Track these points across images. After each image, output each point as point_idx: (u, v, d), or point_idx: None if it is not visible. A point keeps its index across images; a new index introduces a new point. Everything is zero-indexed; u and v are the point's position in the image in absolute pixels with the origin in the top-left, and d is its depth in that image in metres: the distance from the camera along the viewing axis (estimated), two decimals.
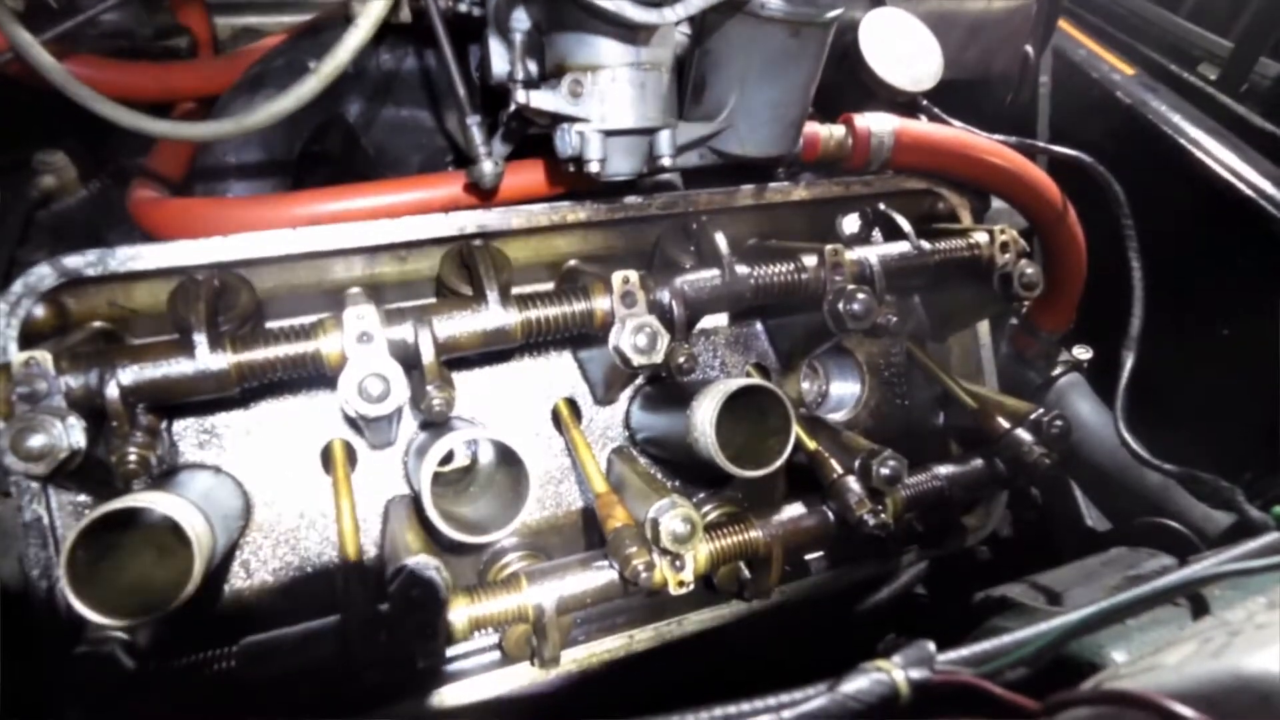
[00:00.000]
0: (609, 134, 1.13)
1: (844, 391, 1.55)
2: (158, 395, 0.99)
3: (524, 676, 1.21)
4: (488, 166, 1.19)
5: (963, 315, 1.56)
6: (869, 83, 1.57)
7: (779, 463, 1.12)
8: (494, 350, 1.16)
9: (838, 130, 1.47)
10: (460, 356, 1.14)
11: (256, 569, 1.18)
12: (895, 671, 0.64)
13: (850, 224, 1.49)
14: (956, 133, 1.53)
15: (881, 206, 1.44)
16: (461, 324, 1.10)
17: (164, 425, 1.09)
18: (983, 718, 0.56)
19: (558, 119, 1.11)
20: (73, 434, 0.91)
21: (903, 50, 1.58)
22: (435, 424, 1.14)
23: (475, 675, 1.20)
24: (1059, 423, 1.37)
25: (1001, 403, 1.46)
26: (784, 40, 1.18)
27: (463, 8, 1.19)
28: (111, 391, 0.95)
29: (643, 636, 1.33)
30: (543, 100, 1.08)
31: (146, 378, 0.97)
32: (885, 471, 1.24)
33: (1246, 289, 1.83)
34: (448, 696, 1.16)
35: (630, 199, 1.31)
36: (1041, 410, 1.39)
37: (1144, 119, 2.09)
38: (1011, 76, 1.86)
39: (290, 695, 1.02)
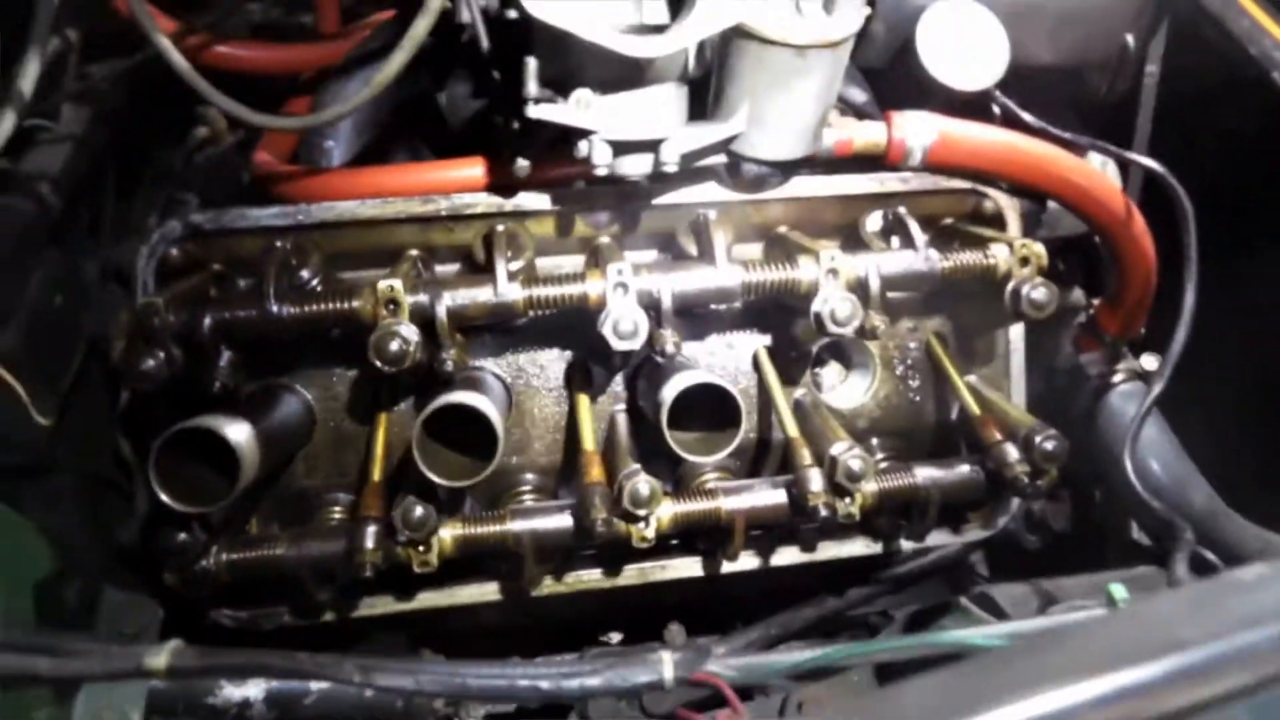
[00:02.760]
0: (615, 144, 1.27)
1: (854, 378, 1.63)
2: (236, 335, 1.28)
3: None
4: (520, 163, 1.36)
5: (984, 323, 1.57)
6: (924, 80, 1.57)
7: (722, 455, 1.26)
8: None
9: (875, 129, 1.50)
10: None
11: (315, 469, 1.49)
12: (667, 665, 0.80)
13: (875, 222, 1.53)
14: (1004, 135, 1.51)
15: (901, 210, 1.47)
16: (472, 297, 1.30)
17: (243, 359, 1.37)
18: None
19: (569, 130, 1.26)
20: (173, 361, 1.23)
21: (964, 46, 1.56)
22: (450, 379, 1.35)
23: (469, 583, 1.48)
24: (1050, 444, 1.39)
25: (1005, 412, 1.49)
26: (789, 60, 1.25)
27: (511, 14, 1.34)
28: (204, 331, 1.25)
29: (629, 572, 1.54)
30: (553, 113, 1.23)
31: (228, 322, 1.27)
32: (852, 467, 1.34)
33: None
34: (439, 596, 1.44)
35: (654, 187, 1.44)
36: (1036, 426, 1.41)
37: None
38: (1111, 66, 1.75)
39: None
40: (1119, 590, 1.09)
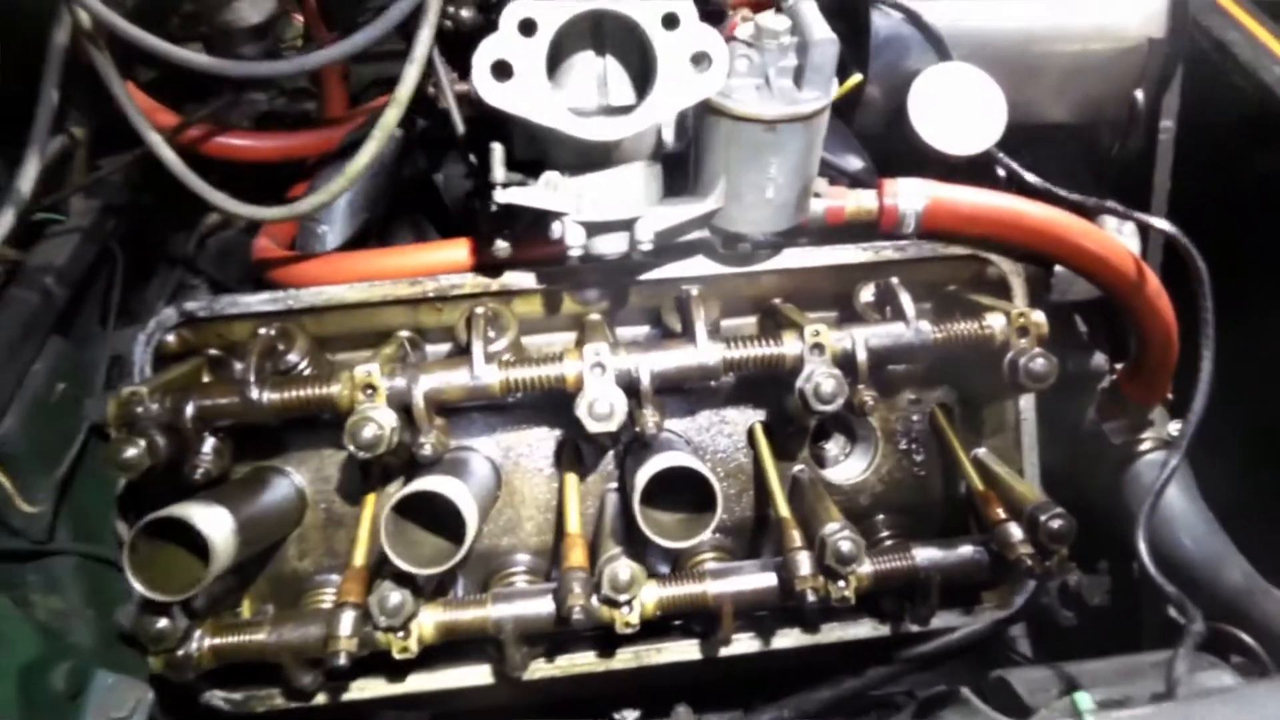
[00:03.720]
0: (588, 224, 1.26)
1: (857, 452, 1.57)
2: (219, 421, 1.30)
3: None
4: (500, 244, 1.37)
5: (992, 393, 1.51)
6: (918, 146, 1.54)
7: (694, 540, 1.22)
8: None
9: (866, 197, 1.47)
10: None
11: (307, 551, 1.49)
12: None
13: (870, 293, 1.49)
14: (1001, 199, 1.46)
15: (893, 280, 1.43)
16: (448, 380, 1.30)
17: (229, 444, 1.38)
18: None
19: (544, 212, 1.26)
20: (155, 450, 1.25)
21: (959, 110, 1.52)
22: (429, 463, 1.34)
23: (462, 665, 1.44)
24: (1056, 522, 1.31)
25: (1011, 488, 1.41)
26: (760, 135, 1.23)
27: None
28: (185, 419, 1.27)
29: (623, 656, 1.49)
30: (521, 196, 1.23)
31: (210, 409, 1.29)
32: (842, 549, 1.28)
33: None
34: (424, 681, 1.41)
35: (642, 262, 1.43)
36: (1043, 504, 1.33)
37: None
38: (1122, 123, 1.69)
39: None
40: (1084, 701, 1.00)
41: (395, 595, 1.26)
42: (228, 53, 1.80)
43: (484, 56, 1.10)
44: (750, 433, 1.52)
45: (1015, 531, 1.33)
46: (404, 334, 1.48)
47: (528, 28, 1.10)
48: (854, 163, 1.62)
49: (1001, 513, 1.36)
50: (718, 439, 1.53)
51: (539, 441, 1.52)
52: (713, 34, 1.12)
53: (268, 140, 1.70)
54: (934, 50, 1.61)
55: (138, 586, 1.16)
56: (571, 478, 1.44)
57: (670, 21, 1.12)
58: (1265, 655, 1.45)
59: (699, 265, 1.46)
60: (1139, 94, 1.65)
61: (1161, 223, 1.47)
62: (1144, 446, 1.70)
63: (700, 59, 1.14)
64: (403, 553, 1.20)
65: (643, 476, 1.21)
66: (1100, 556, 1.98)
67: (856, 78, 1.61)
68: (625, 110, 1.19)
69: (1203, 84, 1.87)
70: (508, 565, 1.52)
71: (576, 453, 1.50)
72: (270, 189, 1.77)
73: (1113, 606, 1.99)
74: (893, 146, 1.64)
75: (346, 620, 1.25)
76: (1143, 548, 1.33)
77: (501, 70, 1.11)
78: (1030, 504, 1.35)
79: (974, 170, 1.64)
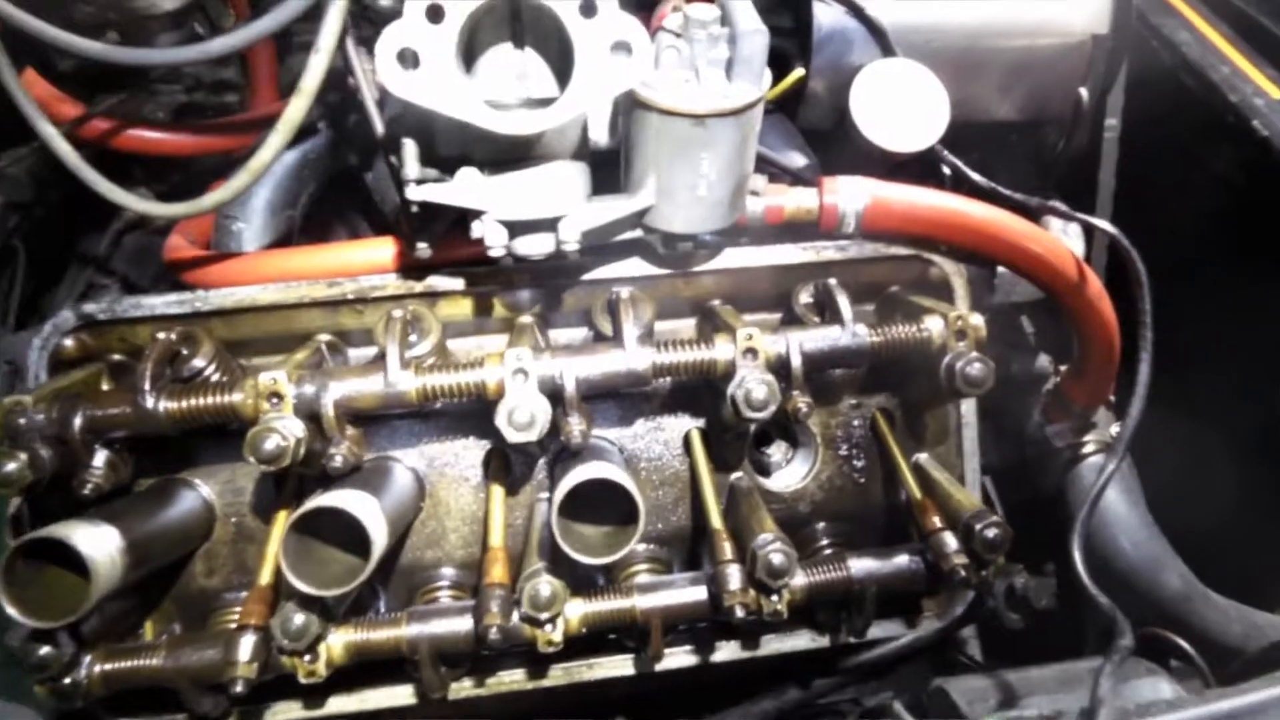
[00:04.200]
0: (511, 224, 1.20)
1: (798, 458, 1.52)
2: (112, 432, 1.22)
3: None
4: (420, 245, 1.29)
5: (933, 398, 1.47)
6: (860, 143, 1.49)
7: (616, 556, 1.16)
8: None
9: (806, 196, 1.42)
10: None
11: (214, 571, 1.40)
12: None
13: (808, 294, 1.44)
14: (943, 199, 1.42)
15: (831, 281, 1.38)
16: (360, 387, 1.23)
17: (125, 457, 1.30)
18: None
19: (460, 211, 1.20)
20: (39, 464, 1.16)
21: (902, 106, 1.48)
22: (340, 475, 1.27)
23: (385, 686, 1.37)
24: (992, 531, 1.27)
25: (949, 496, 1.37)
26: (689, 130, 1.18)
27: None
28: (73, 430, 1.19)
29: (554, 672, 1.43)
30: (435, 194, 1.16)
31: (100, 420, 1.20)
32: (773, 562, 1.23)
33: None
34: (343, 703, 1.34)
35: (576, 263, 1.36)
36: (978, 513, 1.29)
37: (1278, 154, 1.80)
38: (1066, 120, 1.66)
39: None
40: None
41: (299, 617, 1.18)
42: (143, 42, 1.70)
43: (388, 44, 1.03)
44: (686, 439, 1.46)
45: (950, 541, 1.29)
46: (324, 338, 1.40)
47: (435, 14, 1.03)
48: (797, 160, 1.58)
49: (937, 521, 1.32)
50: (653, 446, 1.47)
51: (465, 450, 1.45)
52: (633, 22, 1.06)
53: (183, 135, 1.61)
54: (878, 45, 1.57)
55: (12, 613, 1.08)
56: (497, 489, 1.37)
57: (588, 9, 1.05)
58: (1201, 662, 1.43)
59: (634, 266, 1.41)
60: (1083, 91, 1.62)
61: (1102, 223, 1.44)
62: (1087, 449, 1.68)
63: (621, 48, 1.07)
64: (306, 572, 1.12)
65: (560, 490, 1.15)
66: (1049, 558, 1.97)
67: (798, 72, 1.57)
68: (548, 104, 1.12)
69: (1152, 83, 1.85)
70: (432, 580, 1.44)
71: (505, 462, 1.43)
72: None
73: (1062, 608, 1.98)
74: (839, 144, 1.60)
75: (246, 644, 1.18)
76: (1076, 555, 1.30)
77: (407, 59, 1.04)
78: (967, 512, 1.31)
79: (923, 168, 1.60)
